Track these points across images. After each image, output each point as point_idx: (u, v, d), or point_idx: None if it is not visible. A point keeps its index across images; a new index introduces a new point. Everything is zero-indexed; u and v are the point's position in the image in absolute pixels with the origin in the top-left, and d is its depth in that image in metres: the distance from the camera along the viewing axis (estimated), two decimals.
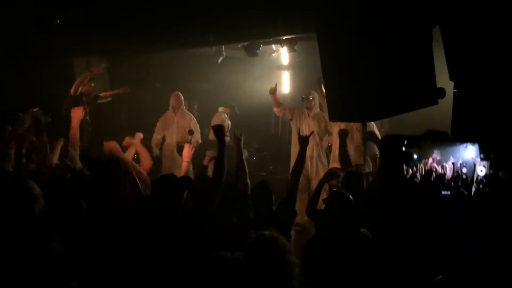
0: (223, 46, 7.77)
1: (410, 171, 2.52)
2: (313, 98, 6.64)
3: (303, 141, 3.84)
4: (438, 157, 2.61)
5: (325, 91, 4.21)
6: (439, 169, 2.63)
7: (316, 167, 6.53)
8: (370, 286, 2.28)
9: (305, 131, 6.39)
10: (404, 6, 3.84)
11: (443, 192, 2.53)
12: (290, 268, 2.12)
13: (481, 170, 2.56)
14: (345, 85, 4.00)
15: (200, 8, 5.69)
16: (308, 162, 6.41)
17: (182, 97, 7.27)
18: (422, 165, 2.61)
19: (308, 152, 6.30)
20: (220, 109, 8.08)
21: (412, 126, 4.90)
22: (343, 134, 4.70)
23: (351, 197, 3.05)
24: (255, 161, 8.32)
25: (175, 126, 7.15)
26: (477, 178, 2.56)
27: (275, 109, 6.97)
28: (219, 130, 3.37)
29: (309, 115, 6.65)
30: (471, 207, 2.47)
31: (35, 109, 5.30)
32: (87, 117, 6.54)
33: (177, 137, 7.09)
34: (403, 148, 2.52)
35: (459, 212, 2.42)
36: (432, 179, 2.59)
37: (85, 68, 7.30)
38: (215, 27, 5.93)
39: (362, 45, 3.85)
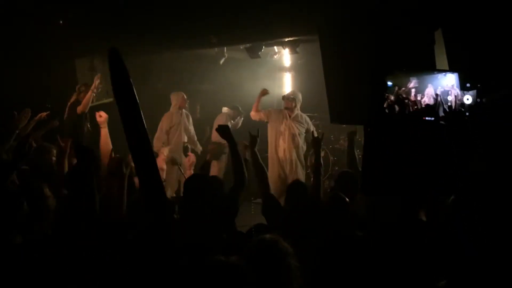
0: (225, 48, 7.78)
1: (388, 100, 2.52)
2: (294, 98, 6.36)
3: (317, 142, 3.85)
4: (416, 85, 2.63)
5: (327, 93, 4.21)
6: (418, 96, 2.64)
7: (295, 170, 6.27)
8: None
9: (285, 134, 6.27)
10: (407, 9, 3.85)
11: (427, 118, 2.55)
12: (291, 272, 2.10)
13: (468, 98, 2.61)
14: (347, 87, 4.01)
15: (202, 9, 5.70)
16: (287, 166, 6.26)
17: None
18: (400, 93, 2.61)
19: (287, 155, 6.23)
20: (224, 109, 8.03)
21: None
22: (351, 135, 4.66)
23: (347, 199, 3.06)
24: None
25: (183, 127, 6.96)
26: (463, 106, 2.61)
27: (252, 113, 6.58)
28: (224, 129, 3.36)
29: (290, 116, 6.32)
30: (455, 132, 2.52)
31: (44, 113, 5.34)
32: (88, 124, 6.52)
33: (184, 138, 6.98)
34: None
35: (443, 136, 2.45)
36: (409, 107, 2.60)
37: (87, 68, 7.30)
38: (218, 28, 5.93)
39: (364, 48, 3.86)
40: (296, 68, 8.90)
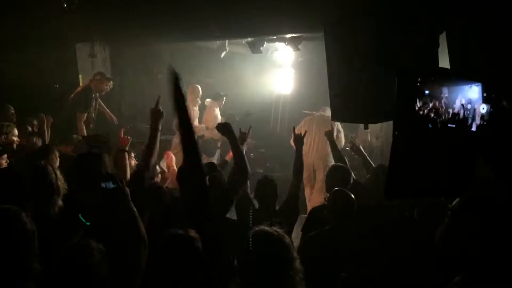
0: (226, 41, 7.77)
1: (421, 106, 2.50)
2: None
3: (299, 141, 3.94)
4: (447, 95, 2.62)
5: (329, 90, 4.24)
6: (446, 107, 2.61)
7: None
8: (369, 283, 2.30)
9: None
10: (413, 12, 3.88)
11: (449, 125, 2.57)
12: (291, 263, 2.12)
13: (483, 108, 2.64)
14: (349, 85, 4.03)
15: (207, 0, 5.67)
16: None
17: None
18: (435, 103, 2.58)
19: None
20: (207, 101, 7.93)
21: None
22: (330, 136, 4.78)
23: (352, 195, 3.09)
24: (252, 157, 8.35)
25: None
26: (480, 115, 2.64)
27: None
28: (225, 126, 3.38)
29: None
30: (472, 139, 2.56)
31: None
32: (93, 115, 6.61)
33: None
34: (418, 84, 2.51)
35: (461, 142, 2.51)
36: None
37: (88, 54, 7.27)
38: (221, 21, 5.92)
39: (368, 47, 3.88)
40: (296, 65, 8.91)
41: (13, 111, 5.15)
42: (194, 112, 7.43)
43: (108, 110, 7.11)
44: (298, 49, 6.97)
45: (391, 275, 2.49)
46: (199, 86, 7.49)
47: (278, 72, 9.02)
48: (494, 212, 2.07)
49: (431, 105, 2.53)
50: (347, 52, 4.01)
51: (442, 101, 2.58)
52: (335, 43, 4.13)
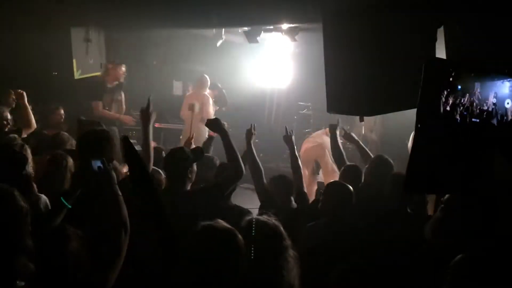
0: (223, 30, 7.70)
1: (450, 101, 2.44)
2: None
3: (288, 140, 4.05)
4: (479, 90, 2.56)
5: (326, 81, 4.22)
6: (478, 103, 2.56)
7: None
8: (364, 276, 2.31)
9: None
10: (412, 6, 3.87)
11: (473, 119, 2.53)
12: (286, 251, 2.12)
13: (508, 102, 2.60)
14: (346, 77, 4.02)
15: None
16: None
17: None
18: (467, 98, 2.52)
19: None
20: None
21: (407, 127, 4.94)
22: (332, 129, 4.76)
23: (350, 187, 3.10)
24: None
25: None
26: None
27: None
28: (215, 123, 3.37)
29: None
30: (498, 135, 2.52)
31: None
32: (118, 107, 6.69)
33: None
34: (450, 79, 2.44)
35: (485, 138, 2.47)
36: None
37: (83, 39, 7.18)
38: (218, 8, 5.86)
39: (366, 39, 3.87)
40: (293, 56, 8.88)
41: (14, 96, 5.08)
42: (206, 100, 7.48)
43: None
44: (295, 40, 6.93)
45: (387, 269, 2.50)
46: (207, 76, 7.55)
47: (274, 62, 8.97)
48: (485, 208, 2.08)
49: (462, 100, 2.48)
50: (345, 44, 3.99)
51: (474, 97, 2.53)
52: (334, 35, 4.11)
